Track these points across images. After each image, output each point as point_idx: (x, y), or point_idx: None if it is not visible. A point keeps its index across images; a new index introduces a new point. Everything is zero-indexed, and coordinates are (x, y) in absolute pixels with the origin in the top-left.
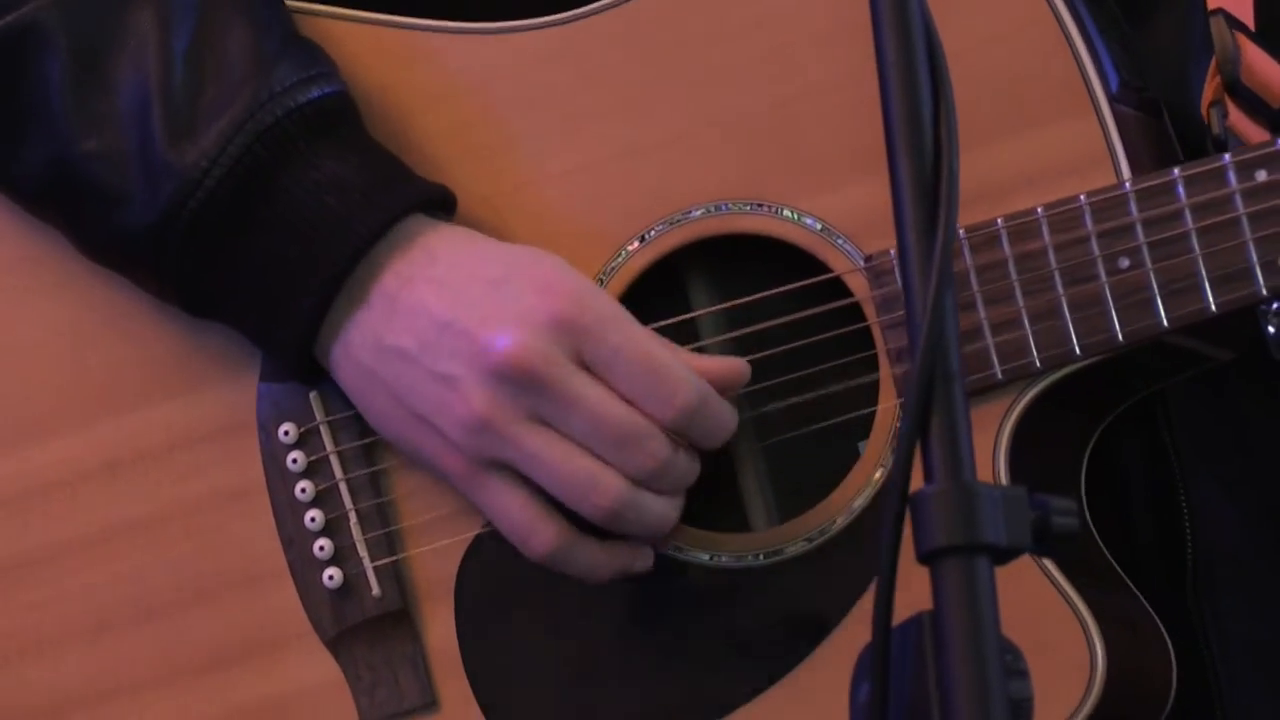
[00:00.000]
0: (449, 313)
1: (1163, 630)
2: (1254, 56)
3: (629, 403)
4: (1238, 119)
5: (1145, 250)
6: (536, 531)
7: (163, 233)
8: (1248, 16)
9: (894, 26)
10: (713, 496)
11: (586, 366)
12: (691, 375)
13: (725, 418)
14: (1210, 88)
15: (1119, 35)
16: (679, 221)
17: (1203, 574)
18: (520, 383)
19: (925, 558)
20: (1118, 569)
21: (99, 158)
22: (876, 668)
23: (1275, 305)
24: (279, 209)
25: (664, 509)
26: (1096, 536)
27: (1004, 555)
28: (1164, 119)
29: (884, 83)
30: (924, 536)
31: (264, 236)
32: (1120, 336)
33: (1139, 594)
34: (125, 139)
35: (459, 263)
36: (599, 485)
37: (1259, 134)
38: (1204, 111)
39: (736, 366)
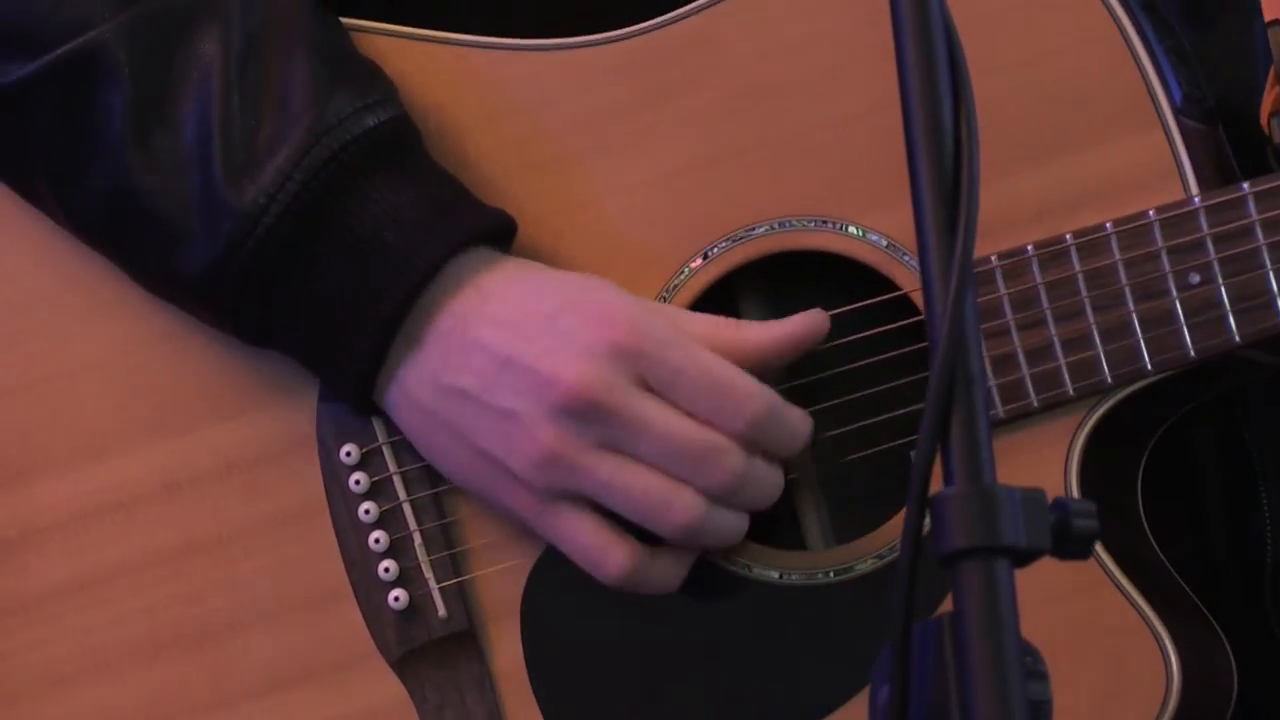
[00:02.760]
0: (507, 349)
1: (1218, 629)
2: None
3: (697, 421)
4: None
5: (1216, 266)
6: (610, 555)
7: (220, 271)
8: None
9: (914, 27)
10: (768, 515)
11: (650, 390)
12: (756, 385)
13: (797, 423)
14: (1270, 97)
15: (1176, 45)
16: (742, 238)
17: None
18: (586, 414)
19: (945, 560)
20: (1173, 572)
21: (159, 194)
22: (896, 670)
23: None
24: (336, 245)
25: (737, 523)
26: (1152, 541)
27: (1024, 557)
28: (1221, 130)
29: (904, 84)
30: (943, 539)
31: (321, 274)
32: (1192, 353)
33: (1191, 593)
34: (186, 176)
35: (511, 297)
36: (676, 503)
37: None
38: (1264, 121)
39: (812, 321)
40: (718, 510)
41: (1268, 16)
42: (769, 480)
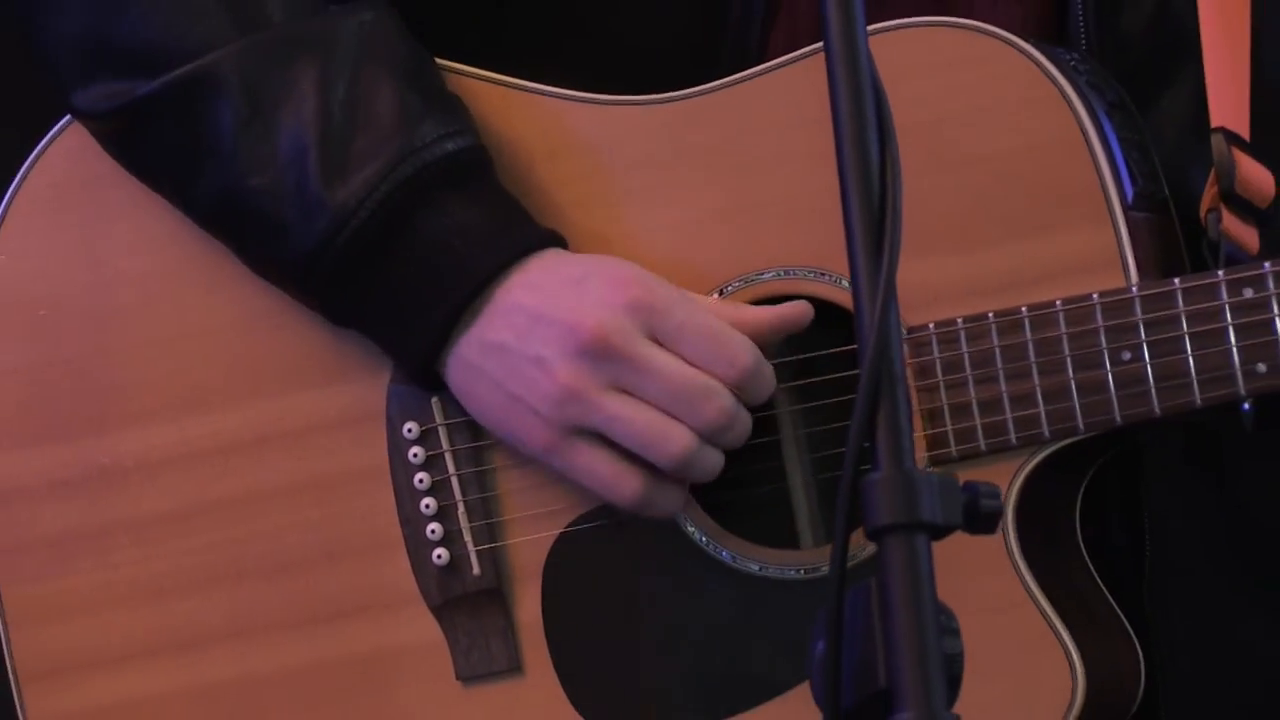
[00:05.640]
0: (540, 307)
1: (1135, 641)
2: (1247, 169)
3: (696, 367)
4: (1230, 223)
5: (1145, 347)
6: (625, 481)
7: (315, 260)
8: (1244, 116)
9: (847, 84)
10: (769, 519)
11: (658, 341)
12: (747, 341)
13: (770, 378)
14: (1208, 196)
15: (1138, 140)
16: (753, 280)
17: (1157, 581)
18: (601, 355)
19: (873, 534)
20: (1103, 589)
21: (263, 192)
22: (830, 627)
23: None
24: (413, 246)
25: (718, 460)
26: (1086, 561)
27: (940, 532)
28: (1171, 213)
29: (838, 131)
30: (871, 516)
31: (399, 269)
32: (1119, 419)
33: (1116, 607)
34: (285, 176)
35: (546, 268)
36: (671, 436)
37: (1249, 234)
38: (1202, 217)
39: (797, 310)
40: (705, 446)
41: (1215, 121)
42: (746, 424)
